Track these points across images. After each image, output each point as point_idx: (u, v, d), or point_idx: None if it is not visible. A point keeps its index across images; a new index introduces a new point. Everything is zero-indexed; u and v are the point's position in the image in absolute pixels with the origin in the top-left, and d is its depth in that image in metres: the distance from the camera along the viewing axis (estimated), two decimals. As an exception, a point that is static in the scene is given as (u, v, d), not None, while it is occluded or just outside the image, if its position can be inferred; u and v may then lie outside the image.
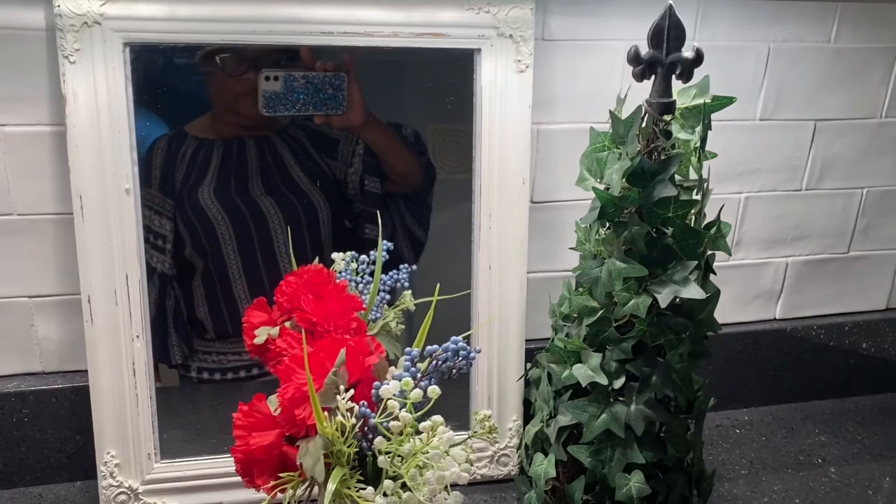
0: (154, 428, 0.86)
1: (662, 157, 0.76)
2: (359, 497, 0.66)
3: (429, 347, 0.71)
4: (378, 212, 0.95)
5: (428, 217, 1.00)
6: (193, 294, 0.92)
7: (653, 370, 0.80)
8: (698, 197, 0.78)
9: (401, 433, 0.65)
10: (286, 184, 0.95)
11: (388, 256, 0.89)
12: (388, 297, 0.91)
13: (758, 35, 0.98)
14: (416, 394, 0.65)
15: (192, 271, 0.92)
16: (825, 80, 1.02)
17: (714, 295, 0.82)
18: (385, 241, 0.87)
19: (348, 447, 0.68)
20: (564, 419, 0.83)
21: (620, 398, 0.81)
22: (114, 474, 0.85)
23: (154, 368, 0.87)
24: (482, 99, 0.87)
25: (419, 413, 0.67)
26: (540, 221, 0.97)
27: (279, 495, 0.69)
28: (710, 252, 0.82)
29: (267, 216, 0.94)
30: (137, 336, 0.83)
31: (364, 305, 0.87)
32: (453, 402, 0.97)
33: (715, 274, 0.81)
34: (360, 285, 0.89)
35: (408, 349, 0.72)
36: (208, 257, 0.93)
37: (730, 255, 0.81)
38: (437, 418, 0.65)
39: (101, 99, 0.78)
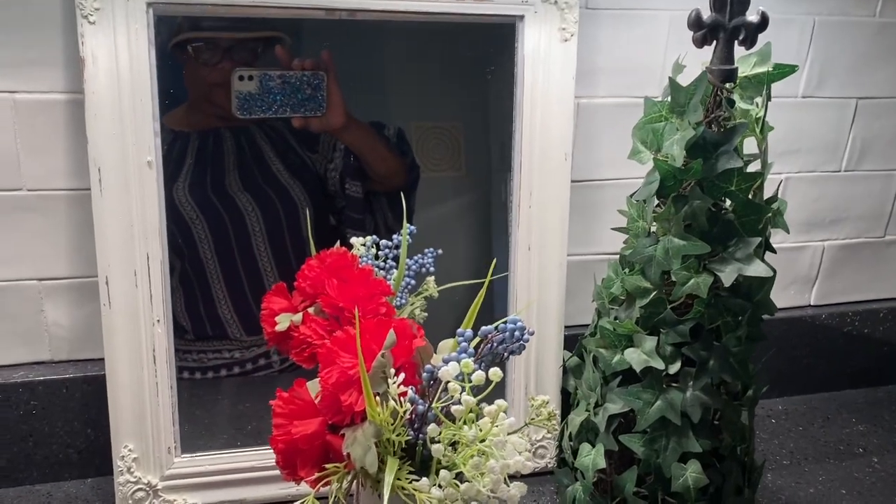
0: (175, 420, 0.81)
1: (725, 128, 0.72)
2: (414, 489, 0.61)
3: (483, 328, 0.67)
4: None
5: (411, 216, 0.94)
6: (172, 295, 0.82)
7: (710, 354, 0.75)
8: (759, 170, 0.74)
9: (462, 419, 0.60)
10: (265, 178, 0.91)
11: (411, 240, 0.85)
12: (412, 282, 0.86)
13: (802, 7, 0.94)
14: (479, 376, 0.60)
15: (171, 272, 0.83)
16: (868, 57, 0.99)
17: (771, 277, 0.78)
18: (410, 226, 0.82)
19: (398, 436, 0.63)
20: (615, 407, 0.78)
21: (674, 384, 0.76)
22: (131, 469, 0.79)
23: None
24: (524, 69, 0.82)
25: (479, 397, 0.62)
26: (578, 202, 0.93)
27: (322, 489, 0.64)
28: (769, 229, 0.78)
29: (244, 213, 0.89)
30: (158, 320, 0.78)
31: (392, 290, 0.82)
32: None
33: (774, 252, 0.77)
34: (383, 271, 0.84)
35: (460, 330, 0.67)
36: (185, 258, 0.88)
37: (788, 232, 0.77)
38: (502, 402, 0.60)
39: (122, 64, 0.72)
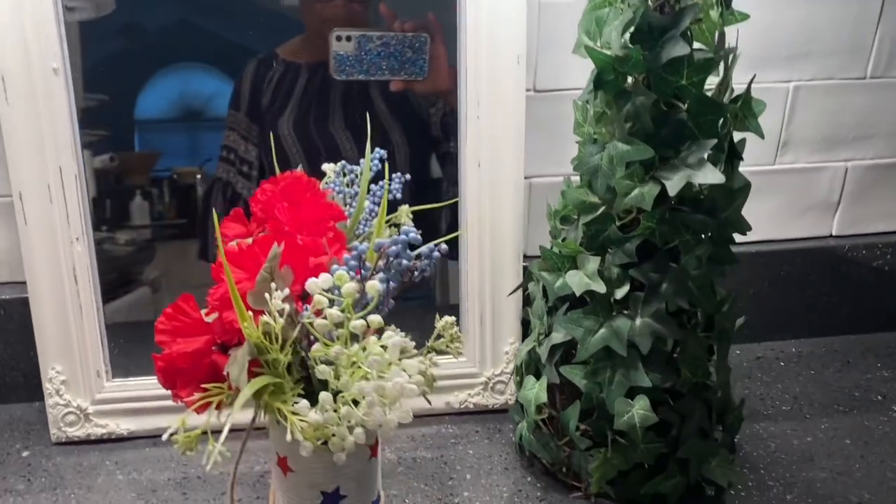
0: (103, 342, 0.78)
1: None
2: (290, 411, 0.56)
3: (378, 241, 0.60)
4: (367, 113, 0.84)
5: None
6: None
7: (663, 277, 0.66)
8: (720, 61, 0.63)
9: (333, 337, 0.54)
10: (370, 118, 0.86)
11: (380, 166, 0.78)
12: (377, 209, 0.80)
13: None
14: (349, 288, 0.53)
15: None
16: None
17: (743, 189, 0.68)
18: (377, 149, 0.76)
19: (285, 355, 0.57)
20: (558, 336, 0.70)
21: (626, 311, 0.67)
22: (60, 392, 0.78)
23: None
24: (465, -41, 0.73)
25: (362, 314, 0.55)
26: (544, 114, 0.84)
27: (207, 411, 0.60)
28: (739, 137, 0.67)
29: (343, 153, 0.87)
30: (77, 238, 0.75)
31: (345, 215, 0.76)
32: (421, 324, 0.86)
33: (741, 159, 0.66)
34: (349, 198, 0.78)
35: (355, 244, 0.61)
36: None
37: (762, 137, 0.66)
38: (375, 317, 0.54)
39: (17, -38, 0.68)
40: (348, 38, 0.81)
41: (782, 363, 0.96)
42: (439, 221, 0.91)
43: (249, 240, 0.74)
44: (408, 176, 0.79)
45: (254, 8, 0.83)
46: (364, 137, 0.85)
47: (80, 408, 0.78)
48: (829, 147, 0.93)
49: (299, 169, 0.73)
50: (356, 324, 0.52)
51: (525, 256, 0.83)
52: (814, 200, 0.95)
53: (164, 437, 0.55)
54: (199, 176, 0.89)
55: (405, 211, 0.82)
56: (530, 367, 0.75)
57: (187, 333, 0.62)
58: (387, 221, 0.82)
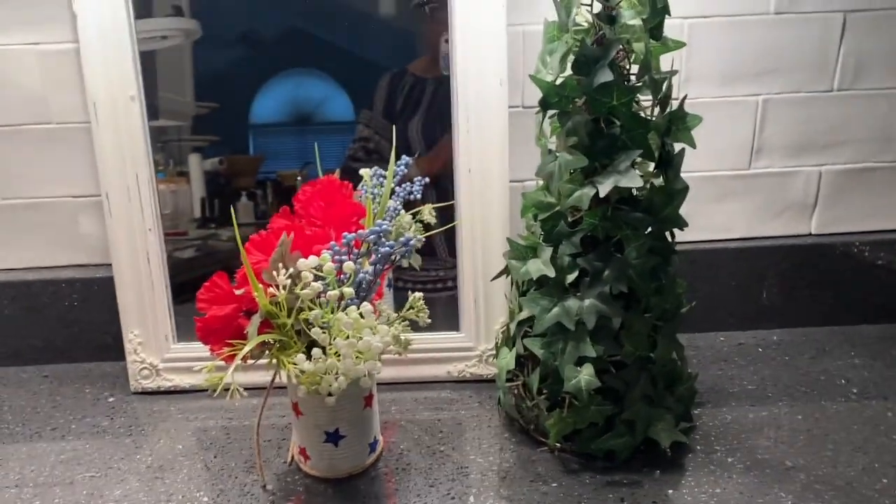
0: (170, 313, 0.98)
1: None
2: (289, 361, 0.72)
3: (360, 231, 0.76)
4: (394, 127, 1.00)
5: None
6: None
7: (606, 265, 0.79)
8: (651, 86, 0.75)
9: (316, 304, 0.70)
10: None
11: (406, 170, 0.93)
12: (400, 208, 0.95)
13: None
14: (329, 267, 0.70)
15: None
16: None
17: (681, 191, 0.80)
18: (404, 156, 0.91)
19: (292, 320, 0.74)
20: (524, 313, 0.84)
21: (577, 294, 0.81)
22: (137, 352, 0.98)
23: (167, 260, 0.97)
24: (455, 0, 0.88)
25: (342, 287, 0.72)
26: (532, 127, 0.97)
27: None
28: (678, 147, 0.79)
29: None
30: (150, 229, 0.94)
31: (366, 212, 0.91)
32: (446, 310, 1.01)
33: (670, 165, 0.78)
34: (379, 197, 0.93)
35: (345, 233, 0.77)
36: None
37: (694, 147, 0.77)
38: (347, 290, 0.69)
39: (104, 14, 0.88)
40: None
41: (760, 349, 1.05)
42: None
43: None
44: (427, 179, 0.95)
45: (362, 17, 0.95)
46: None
47: (152, 365, 0.98)
48: (801, 153, 1.02)
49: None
50: (330, 293, 0.68)
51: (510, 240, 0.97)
52: (790, 202, 1.04)
53: (196, 368, 0.72)
54: (299, 178, 1.02)
55: (427, 209, 0.97)
56: (507, 340, 0.90)
57: (221, 302, 0.79)
58: (413, 216, 0.98)
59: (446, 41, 0.93)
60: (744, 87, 0.98)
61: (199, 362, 0.98)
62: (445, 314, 1.01)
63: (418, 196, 0.95)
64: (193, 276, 1.00)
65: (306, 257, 0.79)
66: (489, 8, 0.88)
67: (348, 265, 0.70)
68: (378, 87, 0.97)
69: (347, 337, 0.70)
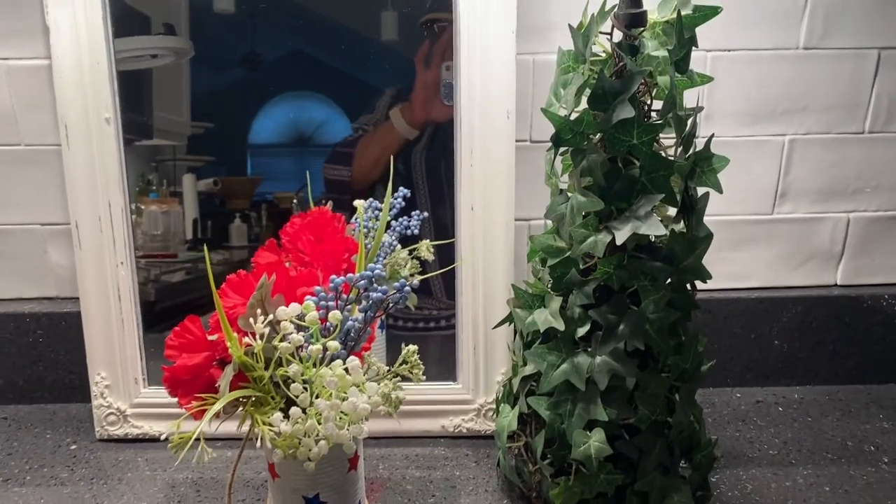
0: (141, 354, 0.89)
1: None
2: (264, 420, 0.64)
3: (350, 275, 0.68)
4: (392, 157, 0.93)
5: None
6: None
7: (621, 318, 0.71)
8: (672, 123, 0.68)
9: (297, 357, 0.62)
10: None
11: (403, 203, 0.87)
12: (396, 244, 0.89)
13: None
14: (312, 317, 0.62)
15: None
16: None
17: (704, 239, 0.72)
18: (402, 188, 0.85)
19: (269, 373, 0.66)
20: (529, 368, 0.76)
21: (588, 350, 0.73)
22: (104, 395, 0.89)
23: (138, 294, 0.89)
24: (461, 24, 0.81)
25: (327, 339, 0.64)
26: (541, 163, 0.90)
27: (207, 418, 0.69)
28: (701, 192, 0.72)
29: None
30: (122, 263, 0.86)
31: (358, 248, 0.85)
32: (440, 352, 0.93)
33: (693, 210, 0.71)
34: (373, 231, 0.86)
35: (332, 276, 0.69)
36: None
37: (720, 192, 0.70)
38: (333, 343, 0.62)
39: (80, 30, 0.81)
40: None
41: (781, 408, 0.97)
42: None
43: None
44: (426, 214, 0.87)
45: (361, 41, 0.91)
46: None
47: (119, 410, 0.90)
48: (828, 198, 0.95)
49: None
50: (312, 348, 0.61)
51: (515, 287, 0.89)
52: (815, 250, 0.97)
53: (162, 436, 0.64)
54: (295, 201, 0.97)
55: (425, 245, 0.90)
56: (509, 396, 0.81)
57: (192, 349, 0.71)
58: (410, 253, 0.90)
59: (447, 68, 0.87)
60: (769, 126, 0.91)
61: (170, 408, 0.91)
62: (441, 358, 0.93)
63: (415, 231, 0.88)
64: (180, 301, 0.96)
65: (289, 302, 0.71)
66: (498, 35, 0.81)
67: (334, 314, 0.63)
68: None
69: (330, 396, 0.62)
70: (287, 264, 0.84)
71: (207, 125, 0.93)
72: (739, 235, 0.96)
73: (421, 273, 0.89)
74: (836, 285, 0.99)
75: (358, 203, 0.88)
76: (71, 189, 0.85)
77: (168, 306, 0.96)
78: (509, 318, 0.86)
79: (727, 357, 0.99)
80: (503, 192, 0.85)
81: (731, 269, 0.97)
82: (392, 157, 0.90)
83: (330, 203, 0.88)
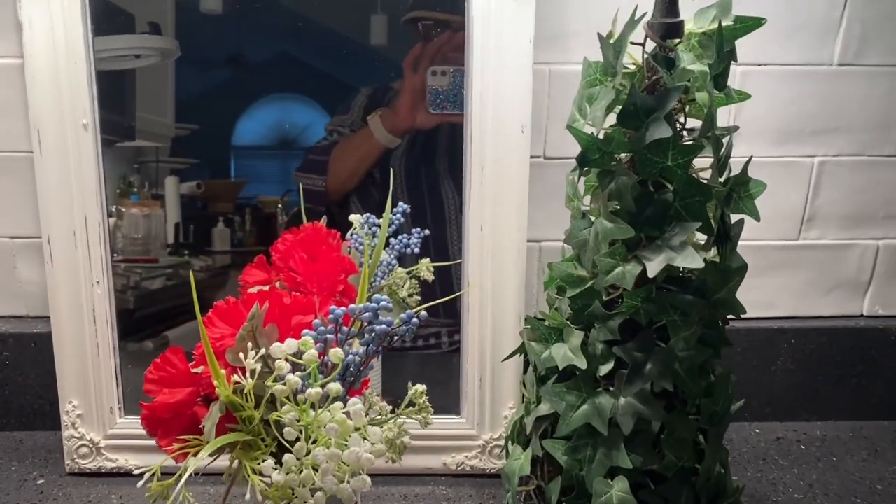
0: (118, 381, 0.82)
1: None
2: (254, 467, 0.57)
3: (352, 306, 0.61)
4: (392, 169, 0.86)
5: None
6: None
7: (648, 356, 0.65)
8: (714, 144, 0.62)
9: (293, 401, 0.56)
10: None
11: (402, 220, 0.81)
12: (395, 263, 0.82)
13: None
14: (311, 355, 0.55)
15: None
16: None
17: (738, 270, 0.66)
18: (400, 203, 0.79)
19: (259, 413, 0.59)
20: (544, 408, 0.70)
21: (610, 389, 0.67)
22: (76, 425, 0.82)
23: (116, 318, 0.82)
24: (473, 32, 0.75)
25: (325, 380, 0.57)
26: (555, 180, 0.84)
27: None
28: (735, 218, 0.66)
29: (444, 200, 0.90)
30: (98, 282, 0.79)
31: (357, 269, 0.78)
32: (442, 384, 0.87)
33: (729, 239, 0.65)
34: (371, 249, 0.80)
35: (332, 307, 0.62)
36: None
37: (758, 220, 0.64)
38: (334, 385, 0.55)
39: (57, 28, 0.74)
40: (443, 73, 0.83)
41: (803, 446, 0.91)
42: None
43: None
44: (427, 231, 0.81)
45: (349, 45, 0.87)
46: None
47: (92, 441, 0.82)
48: (857, 224, 0.89)
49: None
50: (311, 392, 0.54)
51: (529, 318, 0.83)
52: (842, 278, 0.91)
53: (139, 484, 0.57)
54: (280, 206, 0.93)
55: (425, 264, 0.83)
56: (519, 436, 0.75)
57: (173, 384, 0.64)
58: (407, 273, 0.84)
59: (433, 73, 0.82)
60: (798, 146, 0.85)
61: (148, 440, 0.83)
62: (440, 382, 0.86)
63: (416, 250, 0.82)
64: (160, 308, 0.90)
65: (283, 332, 0.65)
66: (514, 43, 0.75)
67: (336, 353, 0.56)
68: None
69: (329, 443, 0.55)
70: (278, 284, 0.77)
71: (192, 127, 0.88)
72: (764, 261, 0.90)
73: (420, 296, 0.83)
74: (862, 316, 0.94)
75: (354, 218, 0.82)
76: (43, 200, 0.77)
77: (148, 314, 0.90)
78: (521, 350, 0.79)
79: (746, 390, 0.93)
80: (515, 211, 0.79)
81: (753, 297, 0.91)
82: (391, 169, 0.84)
83: (324, 218, 0.82)
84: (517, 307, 0.81)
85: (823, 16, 0.80)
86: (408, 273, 0.82)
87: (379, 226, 0.82)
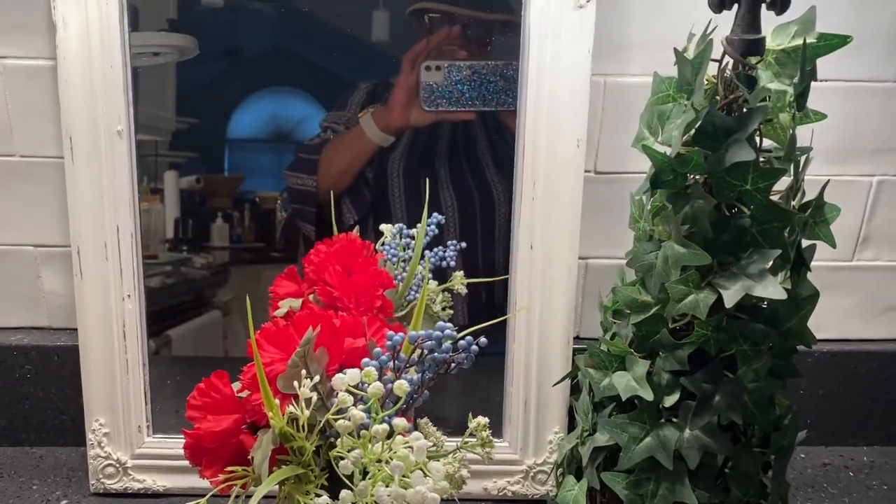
0: (146, 398, 0.79)
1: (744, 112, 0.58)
2: (307, 502, 0.54)
3: (412, 333, 0.58)
4: (427, 178, 0.83)
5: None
6: None
7: (717, 388, 0.62)
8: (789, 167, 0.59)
9: (356, 435, 0.52)
10: (472, 172, 0.85)
11: (436, 231, 0.77)
12: (429, 276, 0.79)
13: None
14: (377, 387, 0.51)
15: None
16: None
17: (810, 298, 0.64)
18: (435, 214, 0.76)
19: (311, 443, 0.56)
20: (602, 438, 0.67)
21: (674, 420, 0.63)
22: (102, 444, 0.78)
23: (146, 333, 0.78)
24: (529, 40, 0.72)
25: (389, 412, 0.54)
26: (605, 196, 0.81)
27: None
28: (806, 243, 0.63)
29: (443, 206, 0.86)
30: (129, 295, 0.76)
31: (394, 283, 0.75)
32: (485, 406, 0.83)
33: (809, 269, 0.62)
34: (405, 262, 0.77)
35: (390, 333, 0.59)
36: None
37: (833, 247, 0.61)
38: (400, 422, 0.51)
39: (93, 30, 0.70)
40: (437, 68, 0.79)
41: (851, 473, 0.89)
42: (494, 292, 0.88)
43: (298, 302, 0.74)
44: (463, 244, 0.78)
45: (347, 39, 0.83)
46: (466, 192, 0.85)
47: (119, 461, 0.79)
48: (912, 246, 0.86)
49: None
50: (378, 428, 0.50)
51: (578, 338, 0.80)
52: (891, 301, 0.89)
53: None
54: (279, 202, 0.90)
55: (459, 278, 0.80)
56: (572, 465, 0.72)
57: (218, 411, 0.61)
58: (441, 286, 0.81)
59: (427, 68, 0.78)
60: (855, 165, 0.82)
61: (177, 460, 0.80)
62: (476, 390, 0.83)
63: (451, 263, 0.79)
64: (162, 307, 0.85)
65: (333, 356, 0.62)
66: (572, 53, 0.72)
67: (401, 385, 0.52)
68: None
69: (390, 479, 0.52)
70: (311, 297, 0.74)
71: (193, 121, 0.86)
72: (816, 283, 0.87)
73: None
74: (913, 339, 0.91)
75: (385, 227, 0.79)
76: (73, 210, 0.74)
77: (148, 312, 0.85)
78: (572, 374, 0.76)
79: (790, 413, 0.90)
80: (567, 229, 0.75)
81: (801, 318, 0.88)
82: (427, 178, 0.81)
83: (357, 228, 0.79)
84: (566, 329, 0.77)
85: (890, 29, 0.77)
86: (441, 287, 0.79)
87: (412, 237, 0.79)
